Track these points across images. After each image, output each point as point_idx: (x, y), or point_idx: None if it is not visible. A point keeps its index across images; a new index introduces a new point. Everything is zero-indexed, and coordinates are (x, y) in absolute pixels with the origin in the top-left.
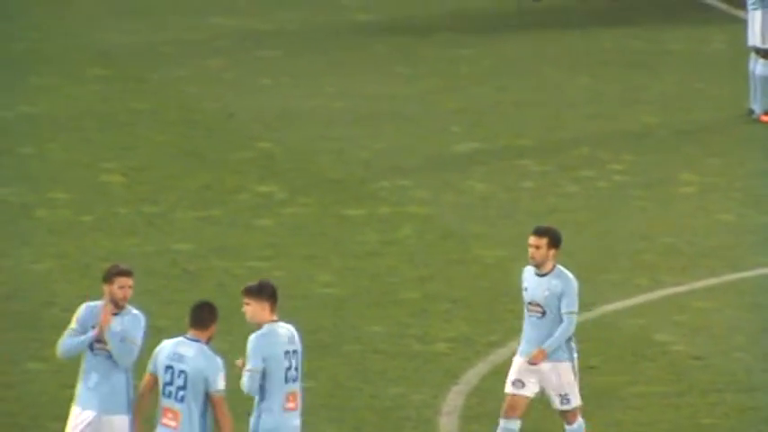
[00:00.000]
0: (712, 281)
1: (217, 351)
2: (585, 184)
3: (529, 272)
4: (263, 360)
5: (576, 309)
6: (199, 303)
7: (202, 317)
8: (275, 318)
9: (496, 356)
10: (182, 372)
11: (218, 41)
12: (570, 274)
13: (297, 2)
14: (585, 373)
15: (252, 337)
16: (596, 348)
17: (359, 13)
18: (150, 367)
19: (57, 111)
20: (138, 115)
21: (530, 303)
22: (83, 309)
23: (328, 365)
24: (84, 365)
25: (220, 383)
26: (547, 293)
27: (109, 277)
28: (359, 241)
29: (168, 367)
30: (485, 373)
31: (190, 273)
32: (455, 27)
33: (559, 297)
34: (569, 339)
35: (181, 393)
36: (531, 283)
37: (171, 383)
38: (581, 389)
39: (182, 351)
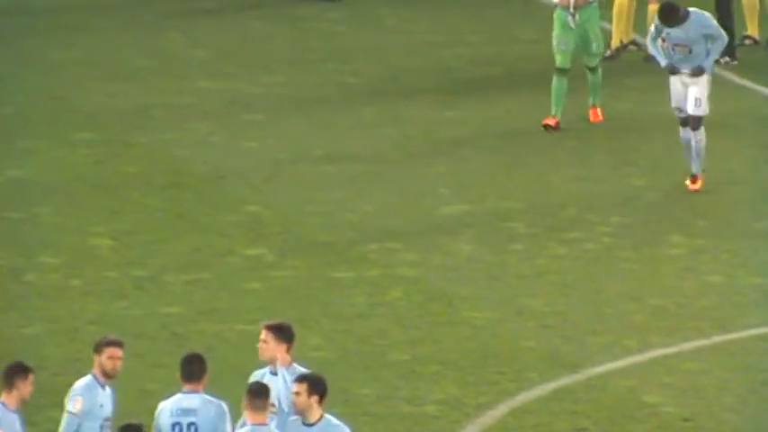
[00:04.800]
0: (701, 342)
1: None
2: (574, 246)
3: (296, 421)
4: None
5: None
6: (187, 357)
7: (194, 369)
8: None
9: (486, 419)
10: (191, 424)
11: (205, 105)
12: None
13: (283, 65)
14: None
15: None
16: (586, 410)
17: (346, 77)
18: (155, 428)
19: (45, 175)
20: (126, 179)
21: None
22: None
23: None
24: None
25: (228, 427)
26: None
27: (98, 347)
28: (348, 304)
29: (175, 424)
30: None
31: (179, 336)
32: (443, 90)
33: None
34: None
35: None
36: None
37: None
38: None
39: (185, 405)
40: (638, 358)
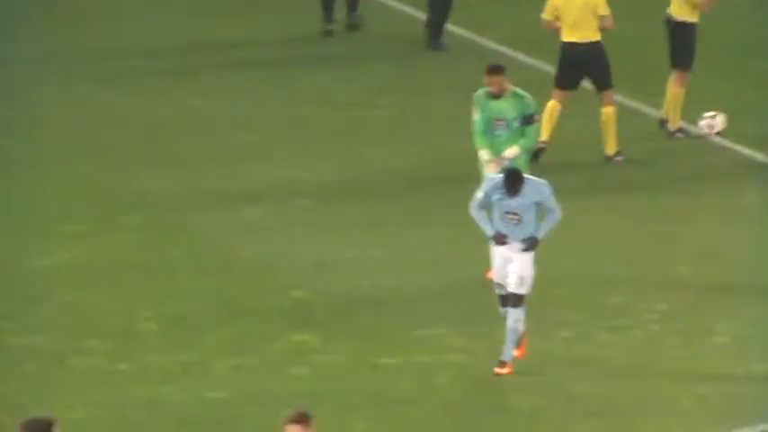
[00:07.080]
0: (747, 431)
1: None
2: (620, 334)
3: None
4: None
5: None
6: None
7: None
8: None
9: None
10: None
11: (253, 190)
12: None
13: (331, 151)
14: None
15: None
16: None
17: (394, 163)
18: None
19: (93, 258)
20: (173, 263)
21: None
22: None
23: None
24: None
25: None
26: None
27: None
28: (394, 389)
29: None
30: None
31: (225, 421)
32: None
33: None
34: None
35: None
36: None
37: None
38: None
39: None
40: None
